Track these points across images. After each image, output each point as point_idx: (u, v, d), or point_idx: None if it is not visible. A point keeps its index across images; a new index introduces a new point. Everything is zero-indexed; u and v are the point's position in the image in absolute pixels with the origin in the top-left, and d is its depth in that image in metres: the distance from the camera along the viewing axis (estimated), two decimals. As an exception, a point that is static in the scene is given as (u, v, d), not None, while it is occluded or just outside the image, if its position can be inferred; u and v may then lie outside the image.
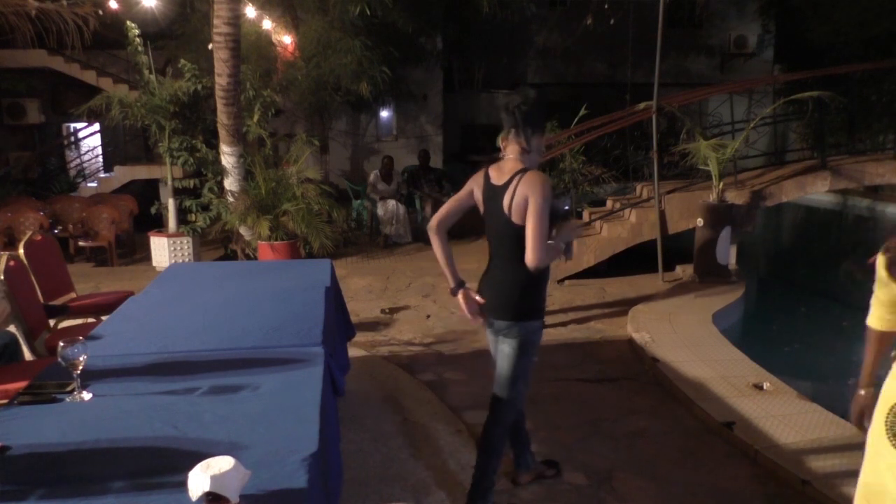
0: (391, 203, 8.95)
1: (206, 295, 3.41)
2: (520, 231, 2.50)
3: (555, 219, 2.57)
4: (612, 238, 6.77)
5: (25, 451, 1.81)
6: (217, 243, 8.21)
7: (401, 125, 13.17)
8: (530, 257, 2.47)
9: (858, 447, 3.29)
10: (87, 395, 2.17)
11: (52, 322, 4.03)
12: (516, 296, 2.63)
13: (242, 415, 2.03)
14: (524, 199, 2.46)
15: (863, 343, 2.16)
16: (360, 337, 4.90)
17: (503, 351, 2.71)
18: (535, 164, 2.59)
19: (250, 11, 8.32)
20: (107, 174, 11.30)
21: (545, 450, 3.48)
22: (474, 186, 2.71)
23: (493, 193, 2.59)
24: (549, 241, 2.55)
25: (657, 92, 6.58)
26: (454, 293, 2.76)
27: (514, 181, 2.50)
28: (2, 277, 3.42)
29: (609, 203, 7.75)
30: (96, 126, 11.42)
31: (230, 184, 6.87)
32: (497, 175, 2.60)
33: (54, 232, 7.79)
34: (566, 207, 2.83)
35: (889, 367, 1.95)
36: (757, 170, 7.77)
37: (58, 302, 4.20)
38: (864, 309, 2.13)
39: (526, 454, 3.12)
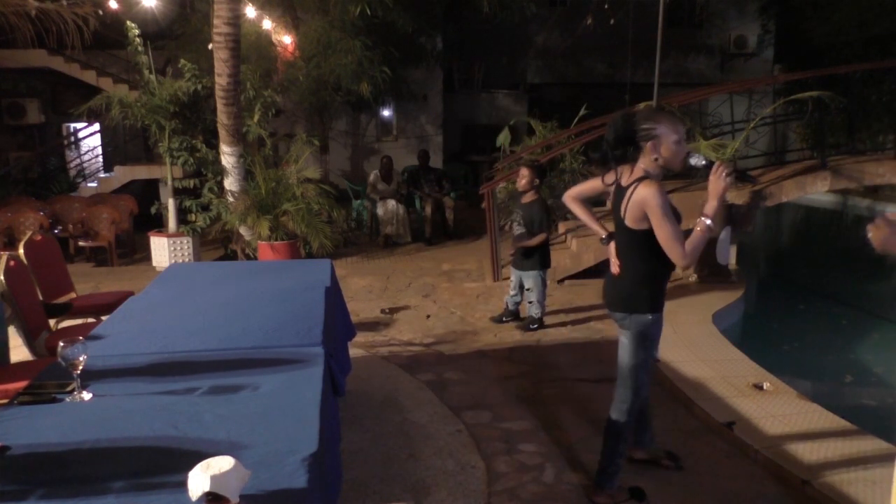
0: (391, 203, 8.94)
1: (206, 295, 3.41)
2: (632, 234, 2.68)
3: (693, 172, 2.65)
4: (612, 238, 6.76)
5: (25, 451, 1.81)
6: (217, 243, 8.21)
7: (401, 125, 13.17)
8: (677, 262, 2.58)
9: (858, 447, 3.30)
10: (87, 395, 2.17)
11: (52, 322, 4.03)
12: (628, 288, 2.79)
13: (242, 415, 2.03)
14: (639, 210, 2.59)
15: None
16: (360, 337, 4.90)
17: (622, 342, 2.87)
18: (655, 168, 2.63)
19: (250, 11, 8.32)
20: (107, 174, 11.30)
21: (545, 449, 3.49)
22: (610, 179, 2.82)
23: (620, 193, 2.74)
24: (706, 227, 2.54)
25: (657, 92, 6.58)
26: (605, 243, 2.98)
27: (632, 187, 2.63)
28: (2, 278, 3.42)
29: (609, 203, 7.75)
30: (96, 126, 11.41)
31: (230, 184, 6.87)
32: (627, 177, 2.72)
33: (54, 232, 7.79)
34: (702, 163, 2.58)
35: None
36: (757, 170, 7.76)
37: (58, 302, 4.20)
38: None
39: (644, 434, 3.23)
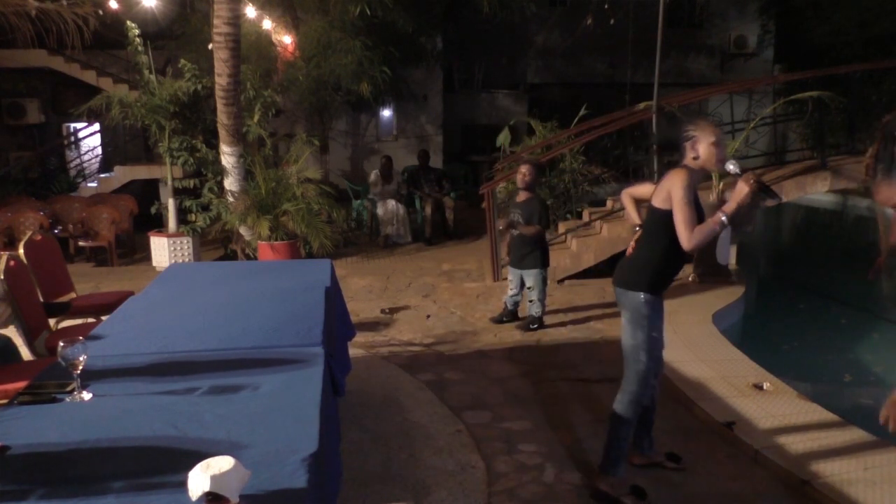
0: (391, 203, 8.95)
1: (206, 295, 3.41)
2: (654, 213, 2.90)
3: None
4: (612, 238, 6.77)
5: (25, 451, 1.81)
6: (217, 243, 8.21)
7: (401, 125, 13.17)
8: (683, 243, 2.75)
9: (858, 447, 3.30)
10: (87, 395, 2.17)
11: (52, 322, 4.03)
12: (635, 266, 2.99)
13: (242, 415, 2.03)
14: (666, 191, 2.83)
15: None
16: (360, 337, 4.90)
17: (623, 324, 3.02)
18: (694, 166, 2.87)
19: (250, 11, 8.32)
20: (107, 174, 11.30)
21: (546, 449, 3.49)
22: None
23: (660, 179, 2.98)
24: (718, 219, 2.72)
25: (657, 92, 6.58)
26: (635, 231, 3.19)
27: (668, 172, 2.91)
28: (2, 277, 3.42)
29: (609, 203, 7.75)
30: (96, 126, 11.41)
31: (230, 184, 6.87)
32: None
33: (54, 232, 7.79)
34: (738, 171, 2.80)
35: None
36: (757, 170, 7.76)
37: (58, 302, 4.19)
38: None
39: (643, 440, 3.26)
